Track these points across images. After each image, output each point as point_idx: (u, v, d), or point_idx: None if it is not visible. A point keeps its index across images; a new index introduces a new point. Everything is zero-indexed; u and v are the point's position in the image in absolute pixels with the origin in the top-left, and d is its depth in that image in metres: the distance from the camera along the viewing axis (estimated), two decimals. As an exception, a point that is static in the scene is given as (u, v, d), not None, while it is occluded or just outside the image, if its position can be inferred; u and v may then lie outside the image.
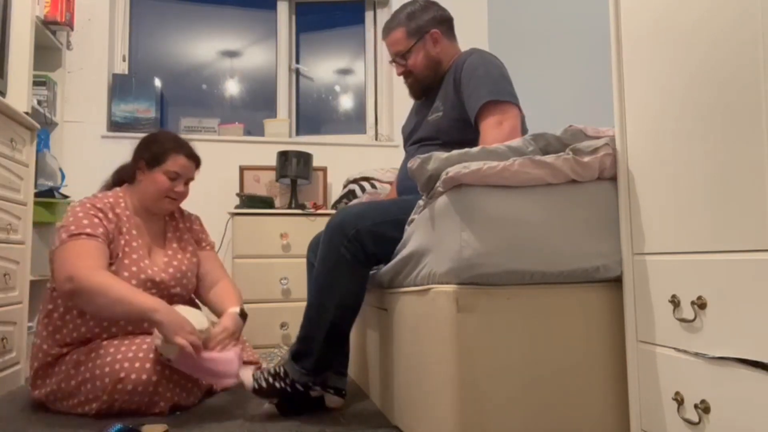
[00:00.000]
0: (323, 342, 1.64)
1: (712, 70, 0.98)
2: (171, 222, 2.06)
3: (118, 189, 1.98)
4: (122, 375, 1.68)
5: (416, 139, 1.89)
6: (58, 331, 1.82)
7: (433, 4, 1.92)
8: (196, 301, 2.10)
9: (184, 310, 1.77)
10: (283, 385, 1.67)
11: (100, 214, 1.83)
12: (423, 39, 1.85)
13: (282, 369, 1.69)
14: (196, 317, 1.78)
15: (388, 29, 1.92)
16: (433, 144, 1.79)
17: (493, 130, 1.65)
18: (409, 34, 1.86)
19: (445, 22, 1.90)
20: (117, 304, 1.67)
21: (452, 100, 1.78)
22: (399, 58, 1.89)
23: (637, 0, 1.18)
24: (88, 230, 1.77)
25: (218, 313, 1.99)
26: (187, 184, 1.98)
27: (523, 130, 1.79)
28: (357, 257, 1.60)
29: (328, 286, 1.63)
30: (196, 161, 1.99)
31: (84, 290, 1.67)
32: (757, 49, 0.89)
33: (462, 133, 1.74)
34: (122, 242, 1.85)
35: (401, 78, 1.97)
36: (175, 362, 1.70)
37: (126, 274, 1.82)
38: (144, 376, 1.69)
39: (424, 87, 1.91)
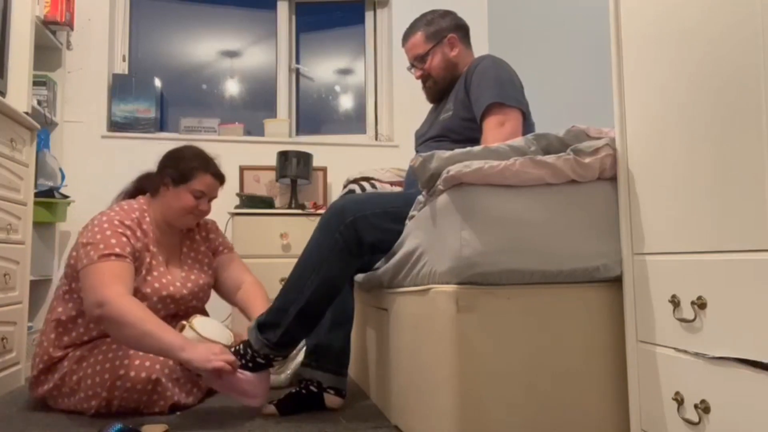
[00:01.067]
0: (294, 318, 1.63)
1: (713, 69, 0.98)
2: (188, 234, 2.04)
3: (141, 200, 1.94)
4: (122, 372, 1.69)
5: (426, 137, 1.94)
6: (67, 334, 1.82)
7: (450, 12, 2.01)
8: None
9: (208, 323, 1.75)
10: (243, 362, 1.67)
11: (128, 232, 1.79)
12: (441, 42, 1.94)
13: (242, 347, 1.69)
14: (221, 333, 1.75)
15: (407, 35, 2.00)
16: (442, 141, 1.83)
17: (494, 130, 1.70)
18: (427, 38, 1.95)
19: (462, 29, 1.99)
20: (144, 337, 1.62)
21: (462, 100, 1.83)
22: (417, 61, 1.97)
23: (637, 0, 1.18)
24: (117, 250, 1.73)
25: (247, 316, 1.99)
26: (210, 201, 1.96)
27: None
28: (349, 245, 1.61)
29: (315, 265, 1.63)
30: (221, 180, 1.98)
31: (113, 319, 1.63)
32: (758, 49, 0.89)
33: (470, 131, 1.79)
34: (147, 259, 1.83)
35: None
36: (206, 380, 1.68)
37: (148, 290, 1.81)
38: (143, 375, 1.69)
39: (441, 90, 1.97)
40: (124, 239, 1.76)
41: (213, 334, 1.73)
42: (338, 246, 1.61)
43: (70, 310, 1.81)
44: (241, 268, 2.10)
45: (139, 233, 1.83)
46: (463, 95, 1.83)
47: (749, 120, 0.90)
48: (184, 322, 1.75)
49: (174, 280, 1.90)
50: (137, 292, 1.77)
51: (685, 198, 1.05)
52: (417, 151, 1.99)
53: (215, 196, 1.98)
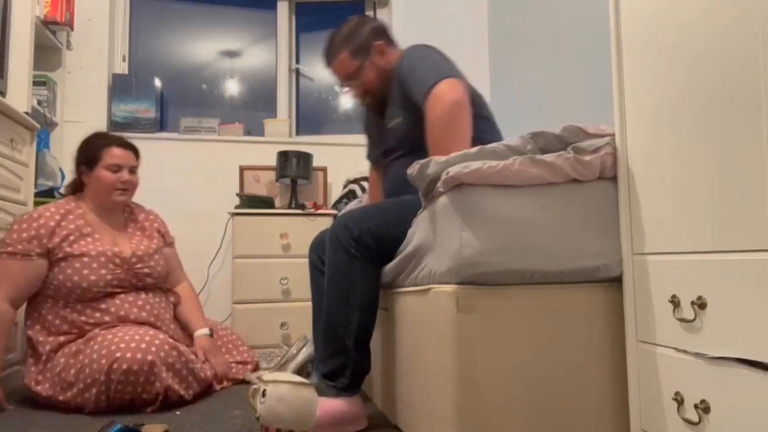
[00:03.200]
0: (355, 350, 1.57)
1: (712, 69, 0.98)
2: (131, 216, 2.20)
3: (71, 197, 2.10)
4: (118, 355, 1.75)
5: (385, 150, 1.87)
6: (51, 324, 1.92)
7: (365, 18, 1.91)
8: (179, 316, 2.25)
9: (283, 375, 1.54)
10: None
11: (35, 227, 1.92)
12: (369, 55, 1.82)
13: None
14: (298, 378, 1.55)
15: (329, 56, 1.87)
16: (403, 156, 1.76)
17: (440, 101, 1.57)
18: (353, 55, 1.82)
19: (383, 32, 1.88)
20: None
21: (402, 101, 1.75)
22: (350, 80, 1.86)
23: (637, 0, 1.18)
24: (21, 250, 1.89)
25: (187, 331, 2.21)
26: (132, 172, 2.10)
27: (494, 131, 1.79)
28: (366, 256, 1.59)
29: (347, 290, 1.58)
30: (131, 149, 2.11)
31: None
32: (757, 48, 0.89)
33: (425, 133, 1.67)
34: (71, 237, 1.95)
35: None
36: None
37: (78, 252, 1.93)
38: (139, 356, 1.76)
39: (382, 100, 1.87)
40: (35, 241, 1.90)
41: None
42: (359, 262, 1.58)
43: (46, 299, 1.95)
44: (180, 267, 2.33)
45: (56, 227, 1.94)
46: (402, 96, 1.74)
47: (749, 119, 0.90)
48: (257, 386, 1.44)
49: (119, 243, 2.04)
50: (67, 257, 1.92)
51: (685, 198, 1.05)
52: (386, 169, 1.88)
53: (135, 166, 2.12)
